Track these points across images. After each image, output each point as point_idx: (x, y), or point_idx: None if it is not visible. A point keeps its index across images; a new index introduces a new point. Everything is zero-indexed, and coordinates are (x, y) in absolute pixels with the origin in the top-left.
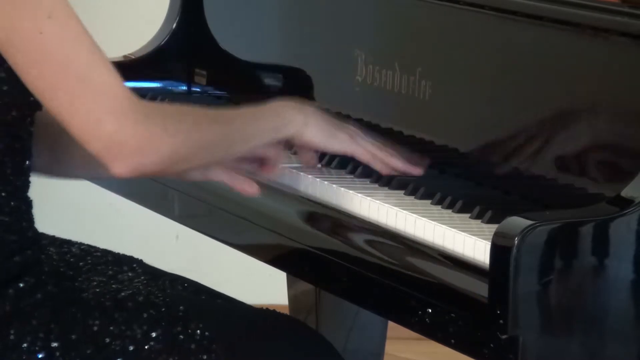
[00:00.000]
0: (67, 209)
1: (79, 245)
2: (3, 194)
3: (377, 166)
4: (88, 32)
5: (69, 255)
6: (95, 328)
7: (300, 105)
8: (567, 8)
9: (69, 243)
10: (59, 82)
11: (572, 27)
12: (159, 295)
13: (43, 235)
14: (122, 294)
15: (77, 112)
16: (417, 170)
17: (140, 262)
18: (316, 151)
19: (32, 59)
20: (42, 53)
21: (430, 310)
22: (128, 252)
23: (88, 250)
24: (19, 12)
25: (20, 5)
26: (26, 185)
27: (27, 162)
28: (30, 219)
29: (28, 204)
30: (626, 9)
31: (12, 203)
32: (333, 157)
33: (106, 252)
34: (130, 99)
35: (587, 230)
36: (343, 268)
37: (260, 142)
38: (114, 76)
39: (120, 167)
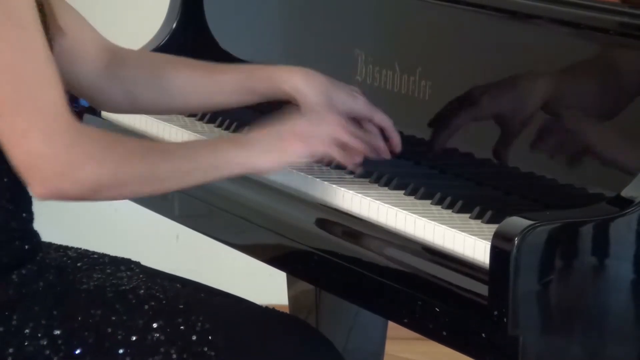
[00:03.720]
0: (67, 210)
1: (76, 249)
2: (5, 180)
3: (337, 156)
4: (46, 44)
5: (65, 258)
6: (97, 317)
7: (239, 137)
8: (567, 8)
9: (65, 247)
10: (1, 90)
11: (572, 27)
12: (159, 290)
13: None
14: (123, 287)
15: (8, 123)
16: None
17: (137, 264)
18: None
19: None
20: None
21: (430, 311)
22: (129, 253)
23: (85, 253)
24: None
25: None
26: None
27: None
28: (30, 212)
29: (28, 198)
30: (626, 9)
31: (14, 192)
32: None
33: (103, 255)
34: (65, 121)
35: (587, 230)
36: (343, 268)
37: (200, 180)
38: (56, 95)
39: (39, 188)
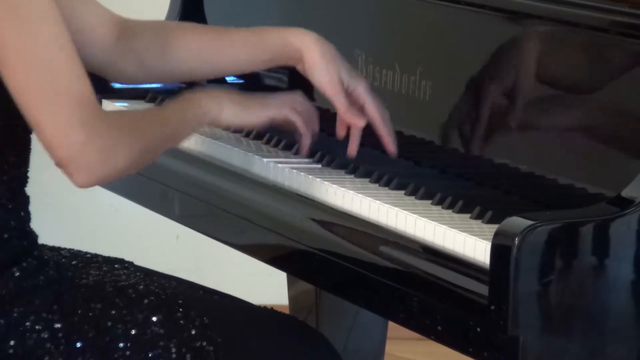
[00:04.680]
0: (67, 210)
1: (69, 250)
2: (5, 178)
3: (298, 126)
4: (70, 38)
5: (60, 257)
6: (97, 311)
7: (214, 92)
8: (567, 8)
9: (58, 248)
10: (38, 86)
11: (572, 27)
12: (158, 286)
13: None
14: (122, 283)
15: (51, 118)
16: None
17: (131, 263)
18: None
19: (17, 58)
20: (28, 54)
21: (430, 311)
22: (129, 253)
23: (77, 253)
24: (14, 9)
25: (17, 4)
26: (24, 177)
27: (24, 155)
28: (27, 212)
29: (26, 197)
30: (626, 9)
31: (12, 191)
32: (333, 157)
33: (96, 255)
34: (97, 110)
35: (587, 230)
36: (343, 268)
37: (187, 133)
38: (88, 87)
39: (83, 178)
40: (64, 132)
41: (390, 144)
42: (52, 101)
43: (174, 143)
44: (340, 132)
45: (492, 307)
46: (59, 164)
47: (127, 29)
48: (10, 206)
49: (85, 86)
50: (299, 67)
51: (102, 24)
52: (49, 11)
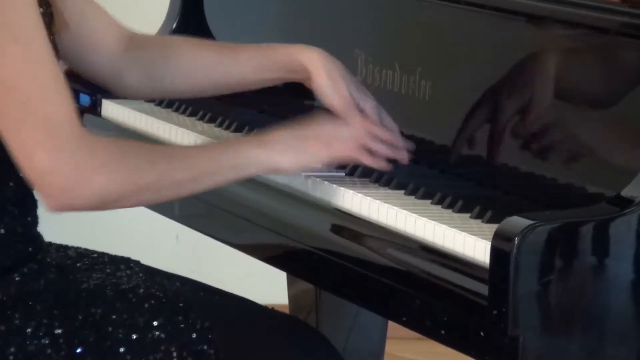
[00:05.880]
0: None
1: (75, 249)
2: (11, 184)
3: (364, 160)
4: (52, 56)
5: (66, 258)
6: (98, 316)
7: (260, 137)
8: (567, 8)
9: (65, 247)
10: (4, 106)
11: (572, 27)
12: (159, 289)
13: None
14: (123, 286)
15: (16, 140)
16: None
17: (137, 262)
18: None
19: None
20: (2, 72)
21: (430, 310)
22: (129, 252)
23: (85, 253)
24: None
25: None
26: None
27: None
28: (35, 216)
29: (34, 201)
30: (626, 9)
31: (19, 195)
32: None
33: (102, 254)
34: (73, 136)
35: (587, 230)
36: (343, 268)
37: (218, 181)
38: (63, 111)
39: (50, 203)
40: (29, 155)
41: (405, 155)
42: (21, 122)
43: (196, 186)
44: None
45: (492, 307)
46: (31, 185)
47: (134, 42)
48: (16, 211)
49: (60, 111)
50: (306, 84)
51: (110, 32)
52: (32, 31)
